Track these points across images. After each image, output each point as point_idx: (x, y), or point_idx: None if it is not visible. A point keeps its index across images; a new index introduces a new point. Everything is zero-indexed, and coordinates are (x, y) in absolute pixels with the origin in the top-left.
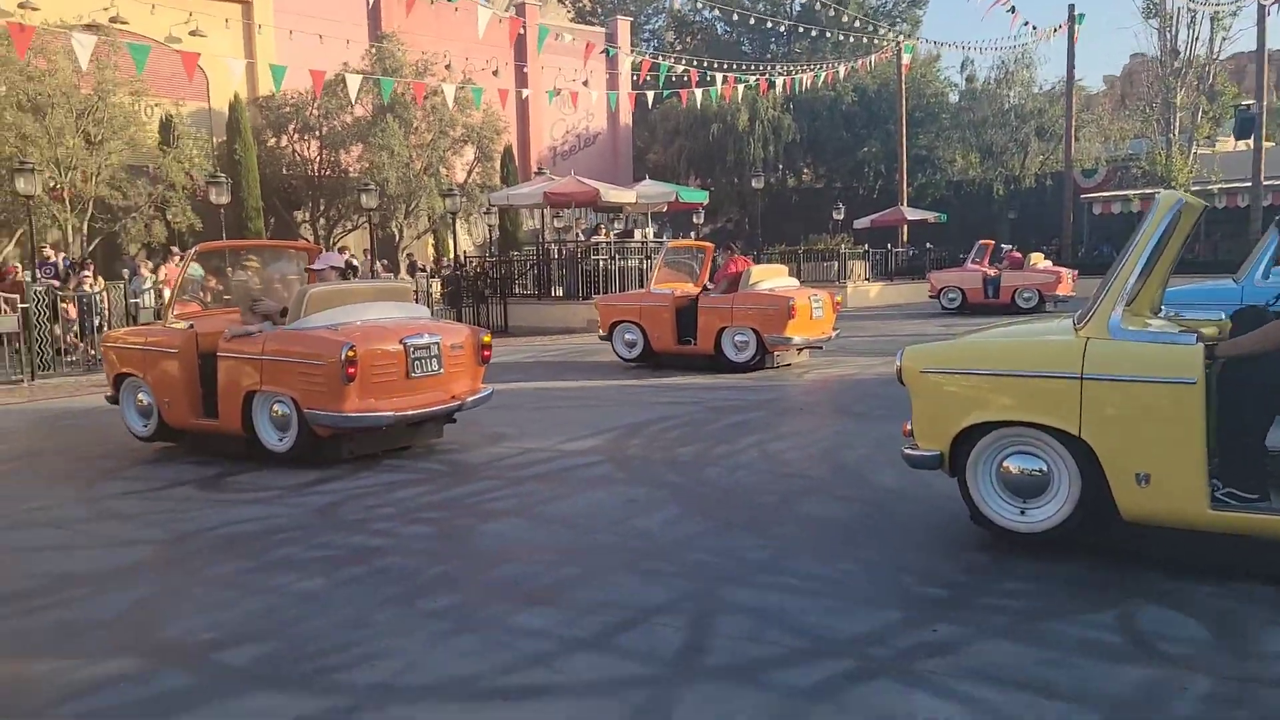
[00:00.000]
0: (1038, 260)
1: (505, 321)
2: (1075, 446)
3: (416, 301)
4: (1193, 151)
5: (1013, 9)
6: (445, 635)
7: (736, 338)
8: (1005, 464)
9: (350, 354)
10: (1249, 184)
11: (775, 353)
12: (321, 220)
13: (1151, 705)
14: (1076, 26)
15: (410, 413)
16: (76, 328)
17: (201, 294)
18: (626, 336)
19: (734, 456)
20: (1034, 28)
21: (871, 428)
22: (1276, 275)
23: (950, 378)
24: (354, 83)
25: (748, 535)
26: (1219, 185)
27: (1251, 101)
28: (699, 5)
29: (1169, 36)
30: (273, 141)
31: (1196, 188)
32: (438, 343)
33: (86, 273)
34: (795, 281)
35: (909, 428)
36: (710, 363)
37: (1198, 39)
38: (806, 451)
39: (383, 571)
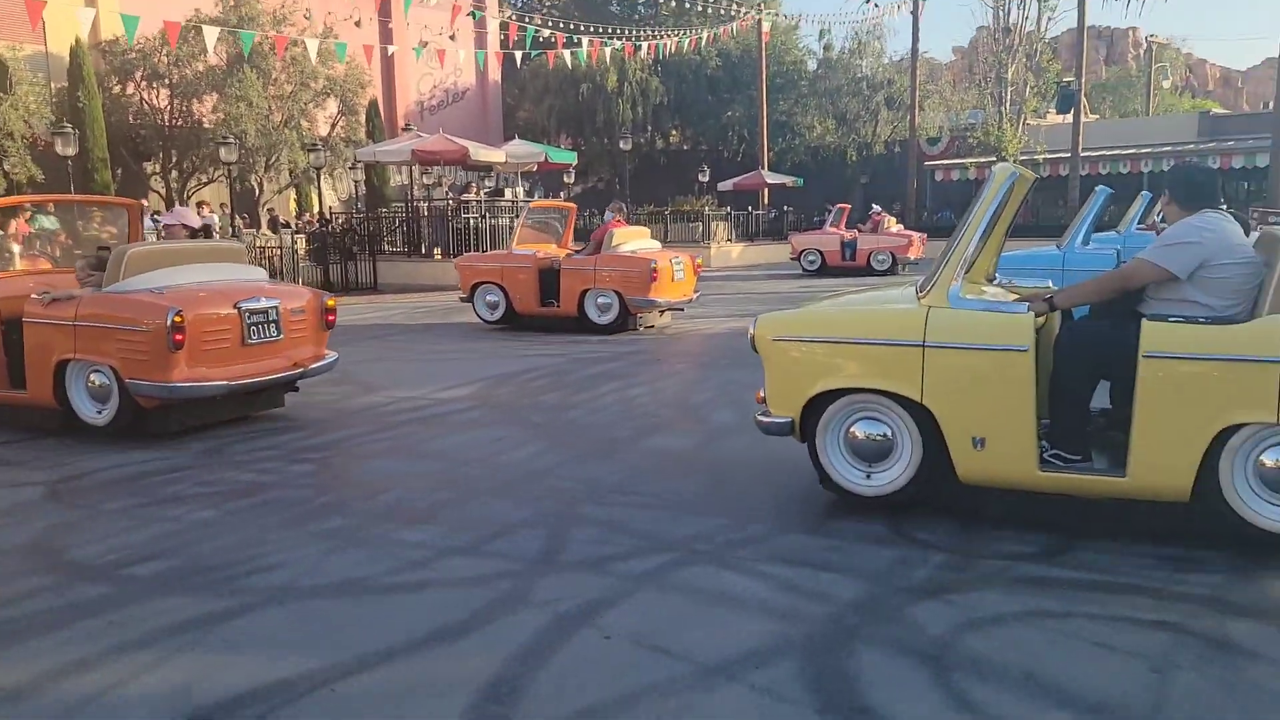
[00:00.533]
0: (891, 224)
1: (374, 279)
2: (917, 412)
3: (274, 258)
4: (1022, 123)
5: None
6: (336, 549)
7: (599, 300)
8: (852, 429)
9: (177, 319)
10: (1069, 155)
11: (638, 315)
12: (174, 172)
13: (899, 573)
14: (921, 1)
15: (246, 381)
16: None
17: (50, 249)
18: (488, 298)
19: (593, 401)
20: (875, 5)
21: (717, 375)
22: (1096, 241)
23: (801, 345)
24: (211, 35)
25: (602, 464)
26: (1044, 155)
27: (1072, 79)
28: None
29: (1002, 13)
30: (118, 89)
31: (1024, 157)
32: (276, 306)
33: None
34: (657, 244)
35: (762, 395)
36: (574, 324)
37: (1027, 17)
38: (658, 396)
39: (272, 502)
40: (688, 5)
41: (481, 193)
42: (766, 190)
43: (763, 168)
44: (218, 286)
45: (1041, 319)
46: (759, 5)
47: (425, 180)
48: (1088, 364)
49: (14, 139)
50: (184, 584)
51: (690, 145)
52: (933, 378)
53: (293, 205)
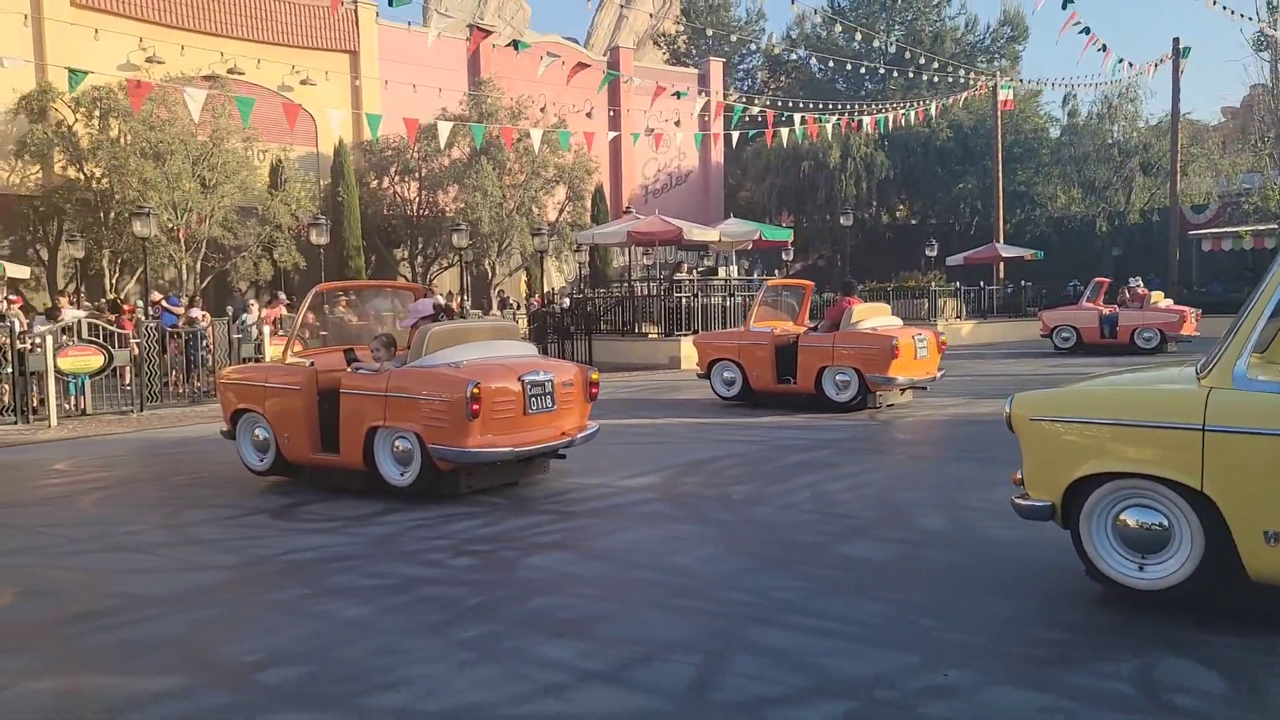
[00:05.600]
0: (1158, 299)
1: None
2: (1198, 501)
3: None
4: None
5: (1104, 48)
6: (470, 663)
7: (838, 377)
8: (1122, 517)
9: (475, 391)
10: None
11: (878, 393)
12: (419, 258)
13: None
14: (1181, 60)
15: (526, 448)
16: (183, 361)
17: (323, 332)
18: (725, 374)
19: (786, 496)
20: (1130, 64)
21: (933, 469)
22: None
23: (1063, 426)
24: (444, 129)
25: (782, 575)
26: None
27: None
28: (793, 46)
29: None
30: (375, 183)
31: None
32: (552, 380)
33: (198, 311)
34: (899, 321)
35: (1019, 476)
36: (811, 401)
37: None
38: (860, 493)
39: (425, 600)
40: (916, 76)
41: (694, 271)
42: (1001, 265)
43: (998, 240)
44: (505, 361)
45: None
46: (996, 73)
47: (645, 261)
48: None
49: (283, 230)
50: (307, 697)
51: (918, 220)
52: (1215, 464)
53: (523, 287)
